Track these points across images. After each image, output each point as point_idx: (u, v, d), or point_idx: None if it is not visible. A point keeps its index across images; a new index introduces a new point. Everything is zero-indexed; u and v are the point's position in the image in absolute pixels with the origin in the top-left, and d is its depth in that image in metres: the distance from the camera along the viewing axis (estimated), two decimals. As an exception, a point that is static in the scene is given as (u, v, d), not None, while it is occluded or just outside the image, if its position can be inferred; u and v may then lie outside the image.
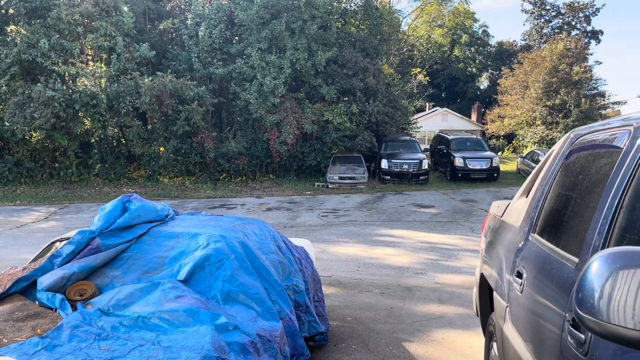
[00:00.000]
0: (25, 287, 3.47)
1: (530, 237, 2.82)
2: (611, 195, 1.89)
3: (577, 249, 2.07)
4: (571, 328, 1.80)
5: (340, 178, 19.78)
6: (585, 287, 1.16)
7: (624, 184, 1.84)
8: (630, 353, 1.38)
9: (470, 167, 21.02)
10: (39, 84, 18.20)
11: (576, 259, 2.03)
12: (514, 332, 2.73)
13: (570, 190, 2.56)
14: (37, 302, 3.32)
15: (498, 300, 3.19)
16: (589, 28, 44.65)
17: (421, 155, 21.15)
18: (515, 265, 2.84)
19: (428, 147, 27.44)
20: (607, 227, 1.83)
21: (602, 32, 45.18)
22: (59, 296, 3.27)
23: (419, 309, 6.19)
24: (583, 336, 1.69)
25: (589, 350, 1.65)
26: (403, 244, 10.31)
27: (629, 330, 1.08)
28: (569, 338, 1.82)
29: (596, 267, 1.16)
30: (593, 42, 44.67)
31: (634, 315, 1.08)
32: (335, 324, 5.57)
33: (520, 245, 2.93)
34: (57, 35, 18.81)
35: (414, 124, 27.29)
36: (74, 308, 3.23)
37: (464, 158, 21.09)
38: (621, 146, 2.03)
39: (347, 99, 21.77)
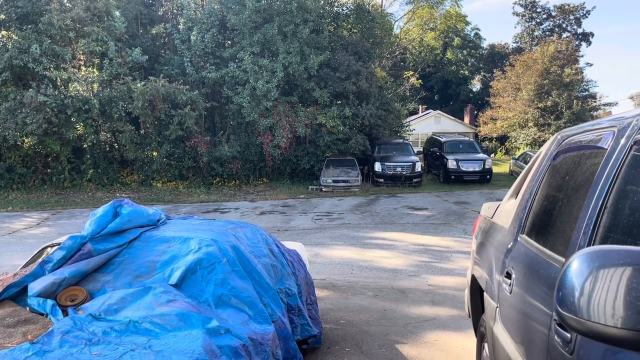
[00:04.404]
0: (16, 293, 3.46)
1: (519, 238, 2.85)
2: (596, 196, 1.91)
3: (564, 249, 2.10)
4: (557, 327, 1.82)
5: (334, 181, 19.80)
6: (566, 286, 1.18)
7: (608, 185, 1.86)
8: (612, 349, 1.40)
9: (463, 169, 21.11)
10: (30, 90, 18.14)
11: (563, 259, 2.06)
12: (504, 333, 2.75)
13: (557, 191, 2.59)
14: (28, 308, 3.31)
15: (488, 301, 3.21)
16: (579, 30, 45.05)
17: (414, 158, 21.22)
18: (505, 266, 2.86)
19: (421, 149, 27.52)
20: (592, 227, 1.86)
21: (592, 34, 45.61)
22: (49, 302, 3.26)
23: (412, 311, 6.21)
24: (569, 335, 1.71)
25: (575, 349, 1.67)
26: (396, 247, 10.33)
27: (608, 328, 1.10)
28: (556, 337, 1.84)
29: (576, 265, 1.18)
30: (584, 44, 45.10)
31: (613, 313, 1.10)
32: (329, 326, 5.57)
33: (509, 246, 2.95)
34: (49, 41, 18.75)
35: (407, 126, 27.38)
36: (65, 313, 3.22)
37: (457, 160, 21.18)
38: (605, 147, 2.05)
39: (340, 102, 21.82)
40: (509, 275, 2.71)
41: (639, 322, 1.06)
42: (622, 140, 1.92)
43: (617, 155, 1.90)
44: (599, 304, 1.11)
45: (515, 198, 3.36)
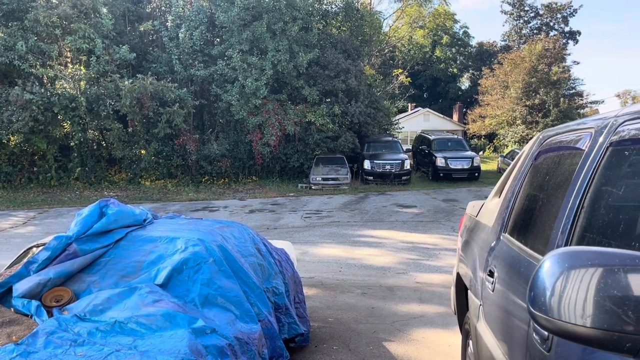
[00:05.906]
0: (0, 294, 3.44)
1: (501, 237, 2.89)
2: (573, 196, 1.95)
3: (544, 248, 2.13)
4: (536, 325, 1.85)
5: (324, 179, 19.83)
6: (538, 286, 1.21)
7: (585, 185, 1.90)
8: (588, 348, 1.44)
9: (452, 167, 21.22)
10: (16, 87, 17.93)
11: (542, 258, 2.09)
12: (487, 330, 2.79)
13: (538, 191, 2.63)
14: (12, 309, 3.29)
15: (472, 298, 3.25)
16: (566, 29, 45.40)
17: (403, 156, 21.29)
18: (488, 264, 2.90)
19: (410, 147, 27.62)
20: (569, 227, 1.89)
21: (579, 33, 46.00)
22: (34, 303, 3.25)
23: (400, 309, 6.25)
24: (546, 333, 1.75)
25: (552, 346, 1.70)
26: (385, 244, 10.37)
27: (578, 327, 1.13)
28: (534, 334, 1.87)
29: (548, 266, 1.21)
30: (571, 42, 45.46)
31: (583, 313, 1.13)
32: (317, 325, 5.59)
33: (492, 245, 2.99)
34: (35, 38, 18.55)
35: (396, 124, 27.46)
36: (50, 314, 3.21)
37: (446, 158, 21.29)
38: (583, 148, 2.09)
39: (329, 100, 21.83)
40: (491, 274, 2.75)
41: (606, 321, 1.09)
42: (600, 141, 1.96)
43: (594, 156, 1.93)
44: (569, 304, 1.14)
45: (499, 197, 3.41)
